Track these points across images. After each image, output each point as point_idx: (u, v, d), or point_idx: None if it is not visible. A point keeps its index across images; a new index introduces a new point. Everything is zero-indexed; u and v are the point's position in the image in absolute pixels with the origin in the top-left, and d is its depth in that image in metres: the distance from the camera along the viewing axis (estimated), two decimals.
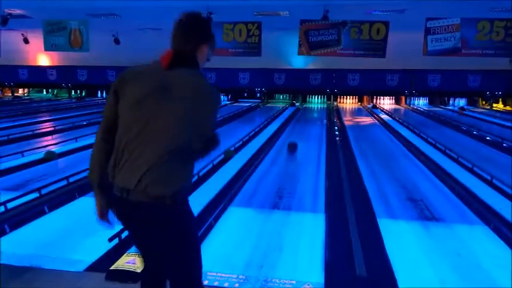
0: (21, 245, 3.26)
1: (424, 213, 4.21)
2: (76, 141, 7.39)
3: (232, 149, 7.02)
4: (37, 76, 18.65)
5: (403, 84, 16.27)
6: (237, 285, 2.70)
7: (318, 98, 18.03)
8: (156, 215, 1.53)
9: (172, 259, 1.61)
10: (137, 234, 1.69)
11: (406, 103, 17.65)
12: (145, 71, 1.65)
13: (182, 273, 1.66)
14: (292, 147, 7.40)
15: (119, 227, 1.76)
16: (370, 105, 16.81)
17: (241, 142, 7.82)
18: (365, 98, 18.03)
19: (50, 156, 6.19)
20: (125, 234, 3.06)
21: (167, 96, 1.54)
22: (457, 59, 12.60)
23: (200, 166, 5.62)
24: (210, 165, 5.83)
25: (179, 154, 1.52)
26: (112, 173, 1.57)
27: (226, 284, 2.70)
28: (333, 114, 13.54)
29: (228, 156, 6.47)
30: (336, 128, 10.27)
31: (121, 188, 1.53)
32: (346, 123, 11.52)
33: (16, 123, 9.80)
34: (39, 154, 6.30)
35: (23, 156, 6.31)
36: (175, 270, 1.65)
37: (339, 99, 17.74)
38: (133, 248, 2.66)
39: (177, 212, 1.57)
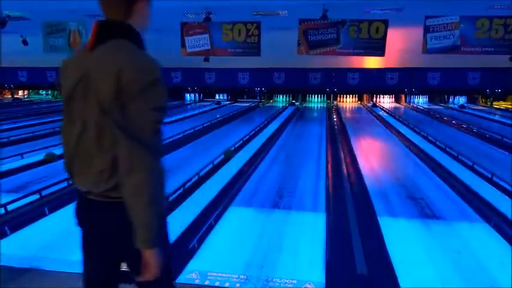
0: (22, 247, 3.25)
1: (425, 211, 4.21)
2: None
3: (232, 149, 7.02)
4: (37, 78, 18.64)
5: (402, 83, 16.26)
6: (238, 285, 2.70)
7: (317, 97, 18.03)
8: (113, 217, 1.37)
9: (130, 267, 1.43)
10: (89, 234, 1.50)
11: (406, 101, 17.65)
12: (73, 58, 1.36)
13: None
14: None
15: None
16: (370, 104, 16.80)
17: (241, 142, 7.82)
18: (365, 96, 18.03)
19: (50, 158, 6.18)
20: None
21: (87, 91, 1.24)
22: (457, 56, 12.57)
23: (200, 166, 5.62)
24: (210, 166, 5.84)
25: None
26: (69, 174, 1.44)
27: (227, 284, 2.70)
28: (332, 112, 13.54)
29: (228, 156, 6.47)
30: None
31: (82, 190, 1.41)
32: (346, 122, 11.50)
33: (16, 125, 9.80)
34: (40, 156, 6.29)
35: (22, 158, 6.31)
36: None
37: (338, 98, 17.74)
38: None
39: None
